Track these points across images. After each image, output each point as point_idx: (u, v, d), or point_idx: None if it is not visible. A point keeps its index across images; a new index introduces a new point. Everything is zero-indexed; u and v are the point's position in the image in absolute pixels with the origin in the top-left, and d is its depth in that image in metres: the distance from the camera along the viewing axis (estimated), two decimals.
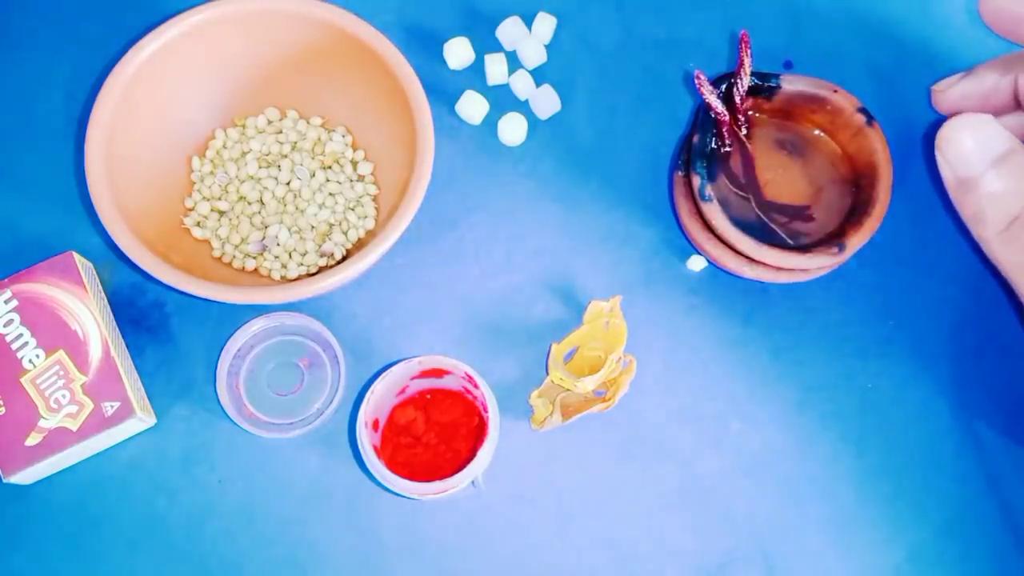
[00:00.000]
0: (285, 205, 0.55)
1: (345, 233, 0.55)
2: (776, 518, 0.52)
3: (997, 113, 0.52)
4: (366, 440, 0.47)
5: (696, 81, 0.50)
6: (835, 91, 0.53)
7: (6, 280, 0.51)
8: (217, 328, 0.54)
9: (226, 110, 0.56)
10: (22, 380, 0.49)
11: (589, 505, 0.52)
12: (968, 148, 0.44)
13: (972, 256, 0.56)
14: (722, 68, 0.59)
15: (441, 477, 0.47)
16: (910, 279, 0.56)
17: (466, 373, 0.48)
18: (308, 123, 0.56)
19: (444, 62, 0.58)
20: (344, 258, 0.54)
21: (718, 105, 0.51)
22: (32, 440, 0.49)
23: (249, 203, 0.55)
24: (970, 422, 0.54)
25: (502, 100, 0.58)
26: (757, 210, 0.53)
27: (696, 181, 0.51)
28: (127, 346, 0.54)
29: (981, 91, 0.52)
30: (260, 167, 0.55)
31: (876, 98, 0.57)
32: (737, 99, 0.52)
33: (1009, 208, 0.43)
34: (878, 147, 0.52)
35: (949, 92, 0.53)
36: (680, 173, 0.54)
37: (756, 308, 0.55)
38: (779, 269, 0.52)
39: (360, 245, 0.54)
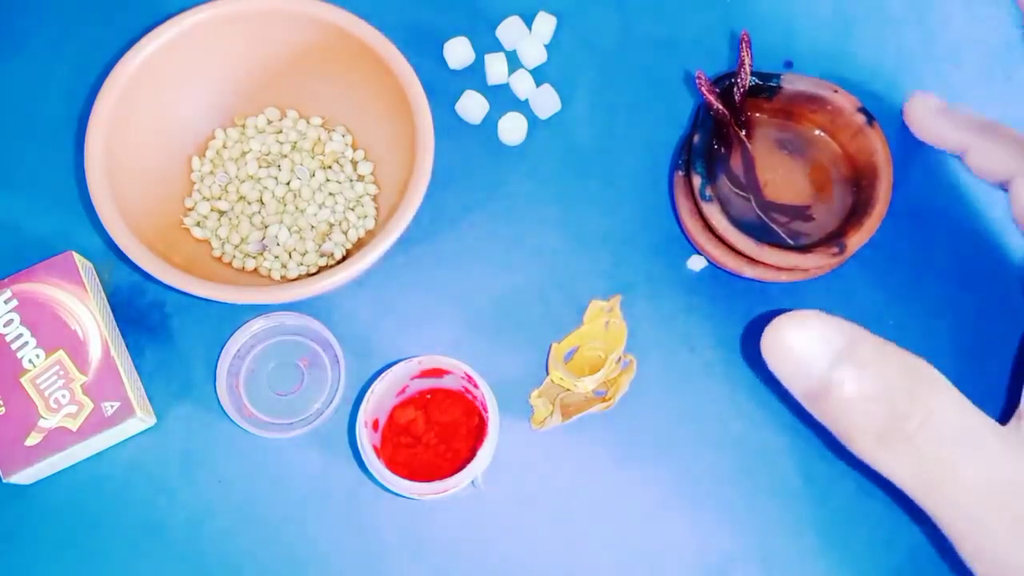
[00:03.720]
0: (285, 205, 0.55)
1: (345, 233, 0.55)
2: (776, 518, 0.52)
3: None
4: (366, 440, 0.47)
5: (697, 81, 0.50)
6: (835, 91, 0.53)
7: (6, 280, 0.51)
8: (217, 328, 0.54)
9: (226, 110, 0.56)
10: (22, 380, 0.49)
11: (589, 505, 0.52)
12: (802, 354, 0.36)
13: (972, 256, 0.56)
14: (722, 68, 0.59)
15: (441, 477, 0.47)
16: (910, 279, 0.56)
17: (466, 373, 0.48)
18: (308, 123, 0.56)
19: (444, 62, 0.58)
20: (344, 258, 0.54)
21: (719, 105, 0.52)
22: (32, 440, 0.49)
23: (249, 203, 0.55)
24: None
25: (502, 100, 0.58)
26: (757, 210, 0.53)
27: (696, 181, 0.51)
28: (127, 346, 0.54)
29: (938, 139, 0.53)
30: (260, 167, 0.55)
31: (876, 98, 0.57)
32: (737, 99, 0.52)
33: (875, 412, 0.35)
34: (878, 147, 0.52)
35: (920, 115, 0.54)
36: (680, 173, 0.54)
37: (756, 308, 0.55)
38: (779, 269, 0.52)
39: (360, 245, 0.54)
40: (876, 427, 0.35)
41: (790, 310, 0.54)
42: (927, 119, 0.54)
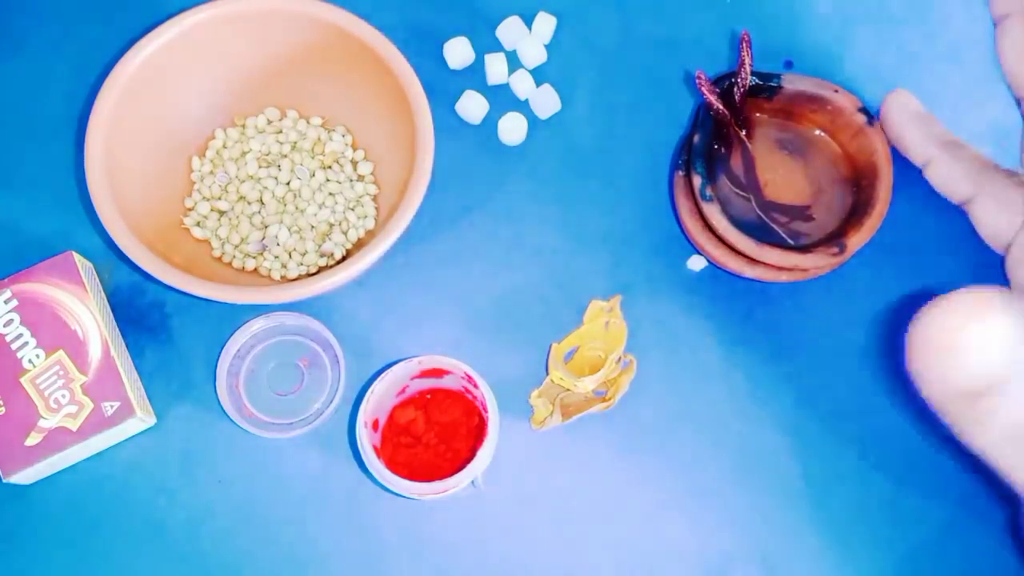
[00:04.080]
0: (285, 205, 0.55)
1: (345, 233, 0.55)
2: (776, 518, 0.52)
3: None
4: (366, 440, 0.47)
5: (697, 81, 0.50)
6: (836, 91, 0.53)
7: (6, 280, 0.51)
8: (217, 328, 0.54)
9: (226, 110, 0.56)
10: (22, 380, 0.49)
11: (589, 505, 0.52)
12: (982, 348, 0.31)
13: (972, 256, 0.56)
14: (722, 68, 0.58)
15: (441, 477, 0.47)
16: (910, 279, 0.56)
17: (466, 373, 0.48)
18: (308, 123, 0.56)
19: (444, 62, 0.58)
20: (344, 258, 0.54)
21: (719, 105, 0.51)
22: (32, 440, 0.49)
23: (249, 203, 0.55)
24: None
25: (502, 100, 0.58)
26: (757, 210, 0.53)
27: (696, 181, 0.51)
28: (127, 346, 0.54)
29: (903, 147, 0.53)
30: (260, 167, 0.55)
31: (876, 98, 0.57)
32: (737, 99, 0.52)
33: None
34: (878, 147, 0.52)
35: (894, 117, 0.53)
36: (680, 173, 0.54)
37: (756, 308, 0.55)
38: (779, 269, 0.52)
39: (360, 245, 0.54)
40: (1014, 419, 0.32)
41: (789, 307, 0.55)
42: (899, 124, 0.54)
